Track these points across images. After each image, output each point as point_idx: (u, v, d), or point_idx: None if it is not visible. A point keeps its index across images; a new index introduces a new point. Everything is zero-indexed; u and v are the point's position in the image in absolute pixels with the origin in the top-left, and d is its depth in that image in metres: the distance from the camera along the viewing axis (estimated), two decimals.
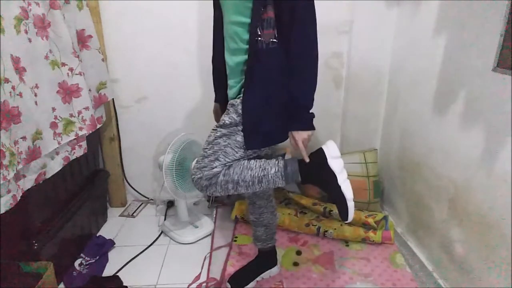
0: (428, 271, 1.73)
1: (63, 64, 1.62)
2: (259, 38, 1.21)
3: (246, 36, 1.23)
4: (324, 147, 1.31)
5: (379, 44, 2.12)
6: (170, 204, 2.36)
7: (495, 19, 1.26)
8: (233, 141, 1.26)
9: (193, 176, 1.29)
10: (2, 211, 1.26)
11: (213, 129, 1.30)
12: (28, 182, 1.43)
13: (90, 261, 1.82)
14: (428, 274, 1.72)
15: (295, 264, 1.81)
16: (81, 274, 1.74)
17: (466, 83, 1.45)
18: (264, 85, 1.24)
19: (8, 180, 1.26)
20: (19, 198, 1.35)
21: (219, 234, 2.08)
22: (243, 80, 1.27)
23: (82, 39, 1.79)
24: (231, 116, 1.27)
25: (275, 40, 1.22)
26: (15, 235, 1.48)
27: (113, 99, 2.15)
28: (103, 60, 1.92)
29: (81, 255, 1.85)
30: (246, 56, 1.25)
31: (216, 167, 1.24)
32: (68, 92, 1.63)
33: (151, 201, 2.45)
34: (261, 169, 1.26)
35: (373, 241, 1.94)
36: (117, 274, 1.77)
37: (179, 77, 2.19)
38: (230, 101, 1.32)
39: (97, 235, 2.06)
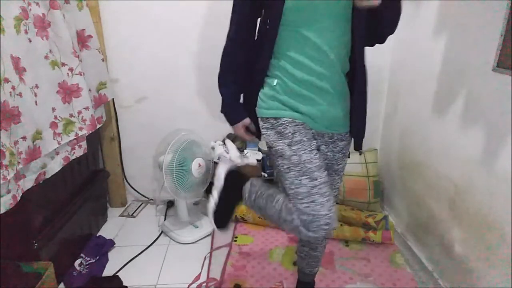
0: (428, 271, 1.73)
1: (63, 64, 1.62)
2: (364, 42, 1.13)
3: (349, 44, 1.12)
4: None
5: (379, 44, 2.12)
6: (170, 204, 2.36)
7: (495, 19, 1.26)
8: None
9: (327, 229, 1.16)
10: (2, 211, 1.26)
11: (339, 177, 1.29)
12: (28, 182, 1.43)
13: (90, 261, 1.82)
14: (428, 274, 1.72)
15: (295, 264, 1.81)
16: (81, 274, 1.74)
17: (466, 83, 1.45)
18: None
19: (8, 180, 1.26)
20: (19, 198, 1.35)
21: (219, 234, 2.08)
22: (348, 99, 1.20)
23: (82, 39, 1.79)
24: (347, 153, 1.28)
25: None
26: (15, 235, 1.48)
27: (113, 99, 2.15)
28: (103, 60, 1.92)
29: (81, 255, 1.85)
30: (347, 66, 1.16)
31: None
32: (68, 92, 1.63)
33: (151, 201, 2.45)
34: None
35: (373, 241, 1.94)
36: (117, 274, 1.77)
37: (179, 77, 2.19)
38: (346, 142, 1.25)
39: (97, 235, 2.05)
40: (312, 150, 1.11)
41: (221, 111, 1.31)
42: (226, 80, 1.26)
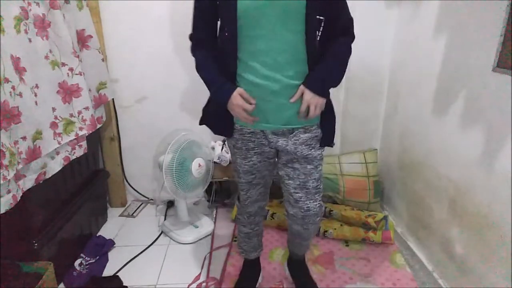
0: (428, 271, 1.73)
1: (63, 64, 1.62)
2: (316, 44, 1.17)
3: (302, 45, 1.16)
4: None
5: (379, 44, 2.12)
6: (170, 204, 2.36)
7: (495, 19, 1.26)
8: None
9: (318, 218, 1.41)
10: (2, 211, 1.26)
11: (313, 166, 1.30)
12: (28, 182, 1.43)
13: (90, 261, 1.82)
14: (428, 274, 1.72)
15: None
16: (81, 274, 1.74)
17: (466, 83, 1.45)
18: None
19: (8, 180, 1.26)
20: (19, 198, 1.35)
21: (219, 234, 2.08)
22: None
23: (82, 39, 1.79)
24: (316, 145, 1.29)
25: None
26: (15, 235, 1.48)
27: (113, 99, 2.15)
28: (103, 60, 1.92)
29: (81, 255, 1.85)
30: (303, 67, 1.19)
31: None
32: (68, 92, 1.63)
33: (151, 201, 2.45)
34: None
35: (373, 241, 1.94)
36: (117, 274, 1.77)
37: (179, 76, 2.19)
38: (311, 134, 1.27)
39: (97, 235, 2.06)
40: (246, 157, 1.34)
41: (212, 95, 1.32)
42: (207, 66, 1.29)
